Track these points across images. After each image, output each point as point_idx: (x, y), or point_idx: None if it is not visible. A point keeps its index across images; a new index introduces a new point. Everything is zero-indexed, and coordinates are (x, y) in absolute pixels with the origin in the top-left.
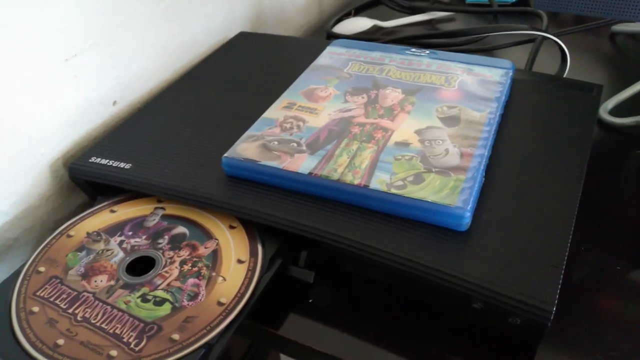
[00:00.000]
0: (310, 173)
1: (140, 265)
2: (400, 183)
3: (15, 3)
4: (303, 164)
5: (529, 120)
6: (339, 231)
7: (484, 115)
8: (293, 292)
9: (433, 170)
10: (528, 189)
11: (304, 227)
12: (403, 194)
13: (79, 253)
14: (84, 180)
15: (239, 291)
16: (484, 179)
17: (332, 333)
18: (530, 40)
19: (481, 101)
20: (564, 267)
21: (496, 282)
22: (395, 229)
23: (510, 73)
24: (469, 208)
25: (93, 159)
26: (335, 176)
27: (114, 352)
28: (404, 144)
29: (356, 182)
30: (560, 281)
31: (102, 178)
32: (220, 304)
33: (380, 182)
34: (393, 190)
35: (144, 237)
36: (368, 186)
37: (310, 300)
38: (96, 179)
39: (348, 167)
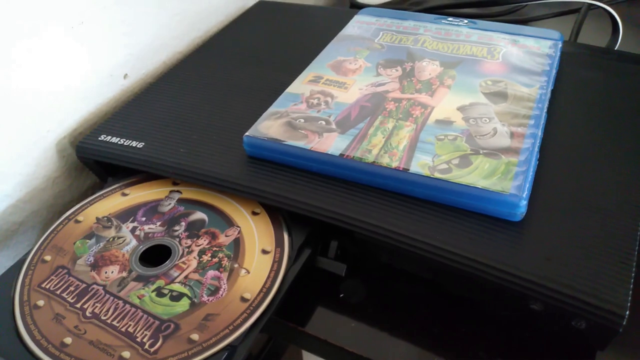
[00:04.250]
0: (341, 155)
1: (155, 255)
2: (445, 166)
3: None
4: (333, 144)
5: (582, 96)
6: (375, 220)
7: (534, 91)
8: (321, 286)
9: (481, 152)
10: (586, 173)
11: (336, 214)
12: (448, 178)
13: (87, 240)
14: (93, 160)
15: (264, 285)
16: (537, 162)
17: (364, 332)
18: (573, 11)
19: (529, 75)
20: (634, 263)
21: (560, 281)
22: (439, 219)
23: (559, 45)
24: (524, 195)
25: (103, 137)
26: (370, 158)
27: (126, 354)
28: (446, 122)
29: (394, 165)
30: (632, 280)
31: (113, 158)
32: (244, 299)
33: (421, 165)
34: (437, 175)
35: (158, 223)
36: (408, 170)
37: (341, 295)
38: (106, 159)
39: (384, 148)
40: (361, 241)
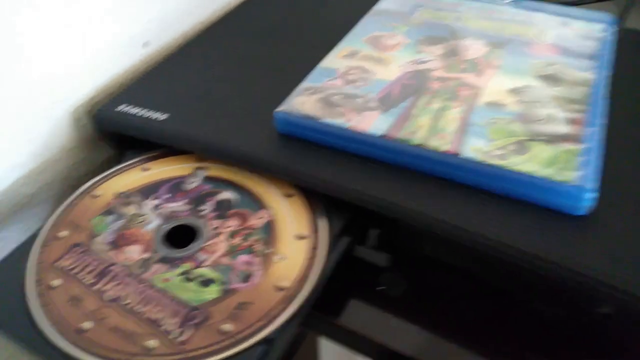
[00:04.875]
0: (384, 135)
1: (180, 236)
2: (500, 152)
3: None
4: (374, 123)
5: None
6: (423, 207)
7: (589, 76)
8: (357, 277)
9: (538, 138)
10: None
11: (378, 200)
12: (505, 165)
13: (106, 217)
14: (111, 131)
15: (301, 273)
16: (602, 151)
17: (405, 328)
18: None
19: (583, 59)
20: None
21: (633, 282)
22: (494, 209)
23: (612, 28)
24: (589, 187)
25: (122, 107)
26: (416, 140)
27: (152, 343)
28: (497, 105)
29: (444, 148)
30: None
31: (134, 130)
32: (279, 288)
33: (475, 149)
34: (493, 161)
35: (183, 201)
36: (459, 154)
37: (380, 288)
38: (126, 130)
39: (431, 130)
40: (404, 230)
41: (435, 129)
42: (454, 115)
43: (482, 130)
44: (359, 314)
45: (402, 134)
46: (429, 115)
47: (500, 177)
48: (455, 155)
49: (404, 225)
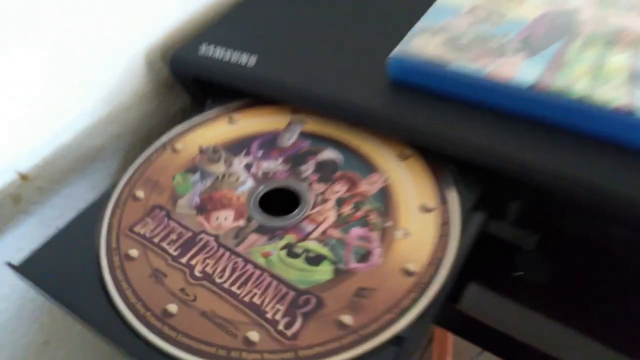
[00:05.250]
0: (533, 85)
1: (277, 202)
2: None
3: None
4: (519, 70)
5: None
6: (580, 174)
7: None
8: (490, 260)
9: None
10: None
11: (525, 166)
12: None
13: (190, 175)
14: (190, 76)
15: (433, 255)
16: None
17: (545, 323)
18: None
19: None
20: None
21: None
22: None
23: None
24: None
25: (205, 48)
26: (577, 93)
27: (253, 335)
28: None
29: (615, 104)
30: None
31: (217, 75)
32: (408, 273)
33: None
34: None
35: (279, 160)
36: (635, 113)
37: (517, 274)
38: (208, 75)
39: (593, 80)
40: (555, 204)
41: (599, 80)
42: (619, 63)
43: None
44: (491, 306)
45: (556, 84)
46: (586, 62)
47: None
48: (629, 114)
49: (552, 196)
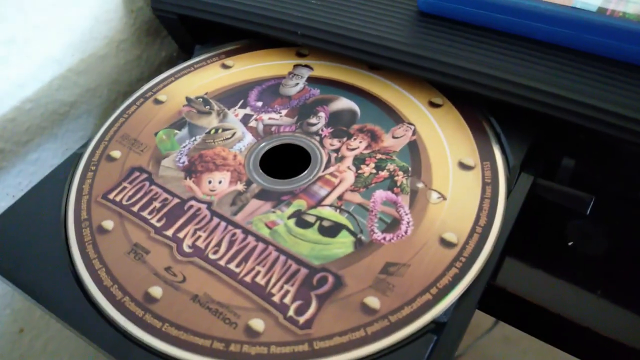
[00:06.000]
0: (602, 9)
1: (283, 161)
2: None
3: None
4: None
5: None
6: None
7: None
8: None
9: None
10: None
11: (586, 108)
12: None
13: (176, 131)
14: (176, 14)
15: (476, 222)
16: None
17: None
18: None
19: None
20: None
21: None
22: None
23: None
24: None
25: None
26: None
27: (257, 323)
28: None
29: None
30: None
31: (206, 10)
32: (447, 243)
33: None
34: None
35: (283, 111)
36: None
37: (571, 244)
38: (195, 12)
39: None
40: (618, 157)
41: None
42: None
43: None
44: (540, 282)
45: (629, 8)
46: None
47: None
48: None
49: (616, 149)
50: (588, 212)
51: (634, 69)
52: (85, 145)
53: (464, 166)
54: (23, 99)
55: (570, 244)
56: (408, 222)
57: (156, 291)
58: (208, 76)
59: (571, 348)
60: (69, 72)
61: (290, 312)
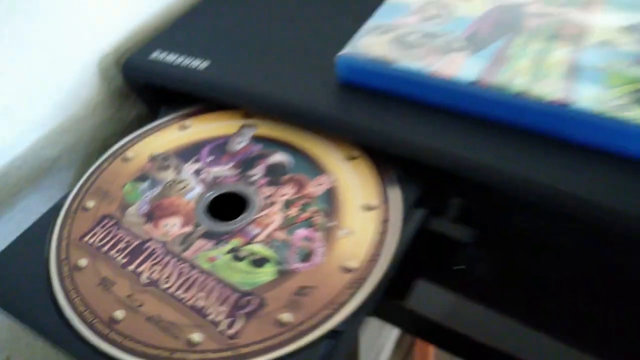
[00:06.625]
0: (475, 82)
1: (226, 207)
2: (620, 102)
3: None
4: (462, 68)
5: None
6: (522, 172)
7: None
8: (432, 255)
9: None
10: None
11: (466, 163)
12: (631, 119)
13: (140, 184)
14: (144, 82)
15: (372, 252)
16: None
17: (487, 315)
18: None
19: None
20: None
21: None
22: (614, 173)
23: None
24: None
25: (156, 54)
26: (516, 88)
27: (196, 336)
28: (611, 45)
29: (552, 97)
30: None
31: (169, 80)
32: (347, 270)
33: (589, 99)
34: (611, 113)
35: (229, 165)
36: (571, 105)
37: (458, 267)
38: (160, 81)
39: (533, 75)
40: (495, 199)
41: (539, 74)
42: (559, 58)
43: (596, 76)
44: (433, 299)
45: (497, 80)
46: (528, 57)
47: (621, 133)
48: (565, 106)
49: (493, 193)
50: (471, 242)
51: (513, 130)
52: (65, 197)
53: (368, 207)
54: (13, 157)
55: (456, 267)
56: (320, 254)
57: (119, 314)
58: (169, 136)
59: (455, 351)
60: (52, 133)
61: (223, 327)
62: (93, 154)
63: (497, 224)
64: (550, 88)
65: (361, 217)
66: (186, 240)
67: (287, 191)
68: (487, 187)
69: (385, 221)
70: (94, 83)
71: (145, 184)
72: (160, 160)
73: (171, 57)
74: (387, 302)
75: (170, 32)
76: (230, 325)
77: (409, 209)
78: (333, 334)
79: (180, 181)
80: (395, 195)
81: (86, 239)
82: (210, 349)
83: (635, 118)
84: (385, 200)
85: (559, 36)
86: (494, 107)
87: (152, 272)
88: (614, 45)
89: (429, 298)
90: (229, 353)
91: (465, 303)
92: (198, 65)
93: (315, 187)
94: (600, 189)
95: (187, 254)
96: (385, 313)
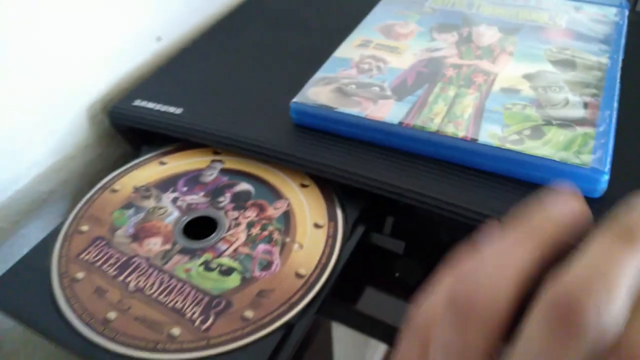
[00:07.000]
0: (400, 123)
1: (200, 228)
2: (516, 137)
3: None
4: (390, 111)
5: None
6: (438, 194)
7: (603, 60)
8: (374, 264)
9: (553, 122)
10: None
11: (394, 188)
12: (522, 150)
13: (126, 211)
14: (127, 126)
15: (320, 261)
16: (615, 134)
17: None
18: None
19: (596, 43)
20: None
21: None
22: (511, 194)
23: (625, 12)
24: (606, 169)
25: (137, 102)
26: (433, 127)
27: (175, 331)
28: (512, 91)
29: (460, 134)
30: None
31: (149, 124)
32: (299, 275)
33: (491, 135)
34: (509, 146)
35: (201, 194)
36: (476, 140)
37: (397, 275)
38: (142, 125)
39: (447, 117)
40: (421, 217)
41: (452, 116)
42: (469, 102)
43: (498, 116)
44: (375, 300)
45: (418, 121)
46: (444, 102)
47: (517, 162)
48: (472, 141)
49: (419, 212)
50: (402, 253)
51: (432, 161)
52: (62, 223)
53: (317, 226)
54: (15, 190)
55: (397, 274)
56: (277, 264)
57: (112, 315)
58: (149, 171)
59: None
60: (48, 170)
61: (197, 324)
62: (84, 187)
63: (424, 237)
64: (460, 127)
65: (311, 233)
66: (166, 255)
67: (250, 214)
68: (413, 207)
69: (331, 236)
70: (84, 127)
71: (131, 211)
72: (143, 191)
73: (151, 105)
74: (339, 304)
75: (149, 83)
76: (203, 322)
77: (351, 226)
78: (286, 326)
79: (160, 207)
80: (339, 215)
81: (82, 256)
82: (186, 340)
83: (526, 149)
84: (331, 219)
85: (470, 84)
86: (416, 143)
87: (138, 281)
88: (515, 90)
89: (376, 301)
90: (202, 343)
91: (403, 303)
92: (174, 111)
93: (274, 210)
94: (502, 208)
95: (167, 267)
96: (342, 317)
